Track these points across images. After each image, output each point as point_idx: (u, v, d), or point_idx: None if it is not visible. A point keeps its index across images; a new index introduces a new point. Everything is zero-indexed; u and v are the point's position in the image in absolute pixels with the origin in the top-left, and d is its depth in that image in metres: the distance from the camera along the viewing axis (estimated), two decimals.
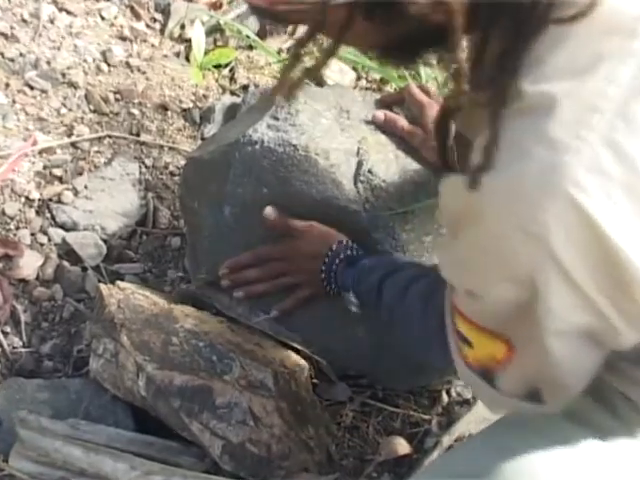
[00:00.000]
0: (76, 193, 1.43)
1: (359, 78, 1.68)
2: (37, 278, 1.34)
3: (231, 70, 1.67)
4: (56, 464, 1.07)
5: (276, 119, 1.18)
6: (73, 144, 1.49)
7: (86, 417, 1.13)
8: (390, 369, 1.23)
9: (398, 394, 1.28)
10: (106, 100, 1.55)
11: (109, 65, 1.61)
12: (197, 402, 1.09)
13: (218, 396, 1.10)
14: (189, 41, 1.68)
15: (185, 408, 1.09)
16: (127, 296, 1.20)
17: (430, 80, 1.54)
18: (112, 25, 1.69)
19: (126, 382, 1.12)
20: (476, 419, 1.23)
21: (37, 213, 1.40)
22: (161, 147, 1.52)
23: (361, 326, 1.18)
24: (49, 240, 1.38)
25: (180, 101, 1.59)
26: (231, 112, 1.55)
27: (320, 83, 1.58)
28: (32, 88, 1.54)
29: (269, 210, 1.13)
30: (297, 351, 1.23)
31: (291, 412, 1.15)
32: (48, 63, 1.58)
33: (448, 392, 1.30)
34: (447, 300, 0.79)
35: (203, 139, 1.53)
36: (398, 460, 1.20)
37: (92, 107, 1.54)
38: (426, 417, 1.27)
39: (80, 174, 1.46)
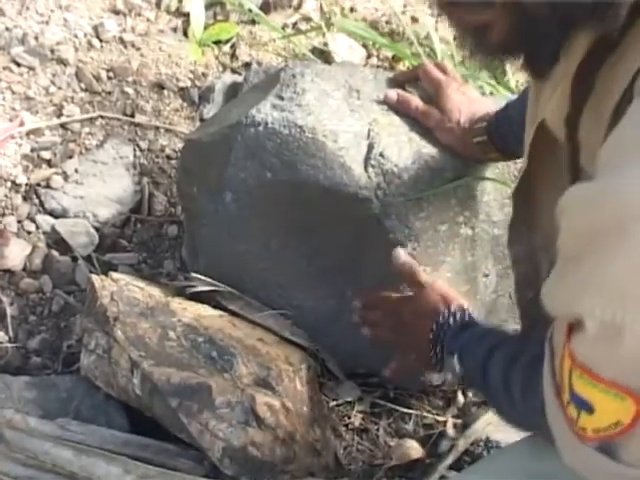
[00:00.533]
0: (66, 178, 1.41)
1: (369, 56, 1.66)
2: (24, 269, 1.32)
3: (232, 46, 1.65)
4: (45, 467, 1.05)
5: (281, 99, 1.16)
6: (63, 125, 1.47)
7: (77, 417, 1.12)
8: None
9: (410, 394, 1.27)
10: (98, 78, 1.53)
11: (101, 41, 1.59)
12: (196, 401, 1.08)
13: (218, 395, 1.09)
14: (187, 15, 1.66)
15: (183, 407, 1.08)
16: (120, 288, 1.19)
17: (446, 57, 1.52)
18: None
19: (120, 380, 1.11)
20: (495, 421, 1.22)
21: (24, 199, 1.38)
22: (157, 129, 1.50)
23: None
24: (37, 228, 1.36)
25: (177, 79, 1.57)
26: (232, 91, 1.53)
27: (328, 60, 1.56)
28: (19, 65, 1.52)
29: (400, 252, 1.12)
30: (303, 348, 1.22)
31: (296, 412, 1.14)
32: (36, 38, 1.56)
33: (464, 392, 1.29)
34: (548, 371, 0.73)
35: (202, 120, 1.52)
36: (410, 465, 1.20)
37: (83, 85, 1.52)
38: (440, 419, 1.26)
39: (70, 157, 1.44)
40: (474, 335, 0.99)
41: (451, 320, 1.02)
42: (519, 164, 1.19)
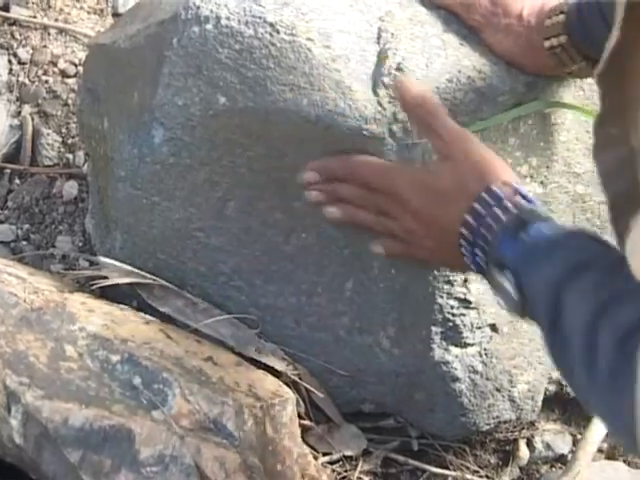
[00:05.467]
0: None
1: None
2: None
3: None
4: None
5: None
6: None
7: None
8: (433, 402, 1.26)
9: (445, 444, 1.31)
10: None
11: None
12: (109, 455, 1.09)
13: (144, 445, 1.10)
14: None
15: (88, 464, 1.09)
16: None
17: None
18: None
19: None
20: None
21: None
22: (45, 29, 1.52)
23: (387, 327, 1.22)
24: None
25: None
26: None
27: None
28: None
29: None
30: (276, 372, 1.24)
31: (266, 473, 1.16)
32: None
33: (530, 442, 1.33)
34: None
35: (116, 16, 1.54)
36: None
37: None
38: None
39: None
40: (542, 240, 1.00)
41: (498, 211, 1.03)
42: None
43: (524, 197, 1.03)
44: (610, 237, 0.96)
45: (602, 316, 0.87)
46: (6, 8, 1.54)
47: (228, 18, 1.15)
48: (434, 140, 1.10)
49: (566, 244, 0.98)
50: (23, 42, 1.51)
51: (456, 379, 1.23)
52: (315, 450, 1.26)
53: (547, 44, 1.13)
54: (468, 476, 1.30)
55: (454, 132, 1.09)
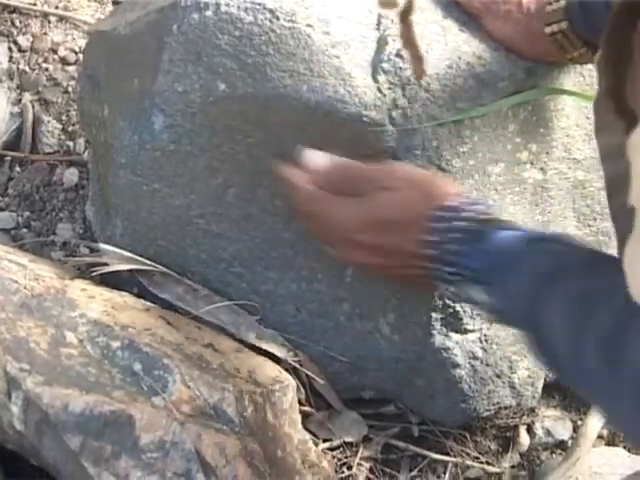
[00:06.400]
0: None
1: None
2: None
3: None
4: None
5: None
6: None
7: None
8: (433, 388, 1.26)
9: (446, 431, 1.31)
10: None
11: None
12: (110, 441, 1.09)
13: (144, 431, 1.10)
14: None
15: (89, 450, 1.09)
16: None
17: None
18: None
19: None
20: (580, 472, 1.26)
21: None
22: (45, 16, 1.52)
23: (387, 313, 1.22)
24: None
25: None
26: None
27: None
28: None
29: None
30: (276, 358, 1.24)
31: (266, 459, 1.17)
32: None
33: (530, 429, 1.34)
34: None
35: (116, 3, 1.54)
36: None
37: None
38: (493, 469, 1.30)
39: None
40: (506, 250, 1.00)
41: (458, 224, 1.03)
42: None
43: (478, 205, 1.04)
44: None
45: (587, 313, 0.88)
46: None
47: (228, 4, 1.15)
48: (367, 184, 1.10)
49: (531, 252, 0.98)
50: (23, 30, 1.51)
51: (456, 365, 1.24)
52: (315, 436, 1.27)
53: (548, 30, 1.13)
54: (468, 462, 1.30)
55: (383, 167, 1.11)
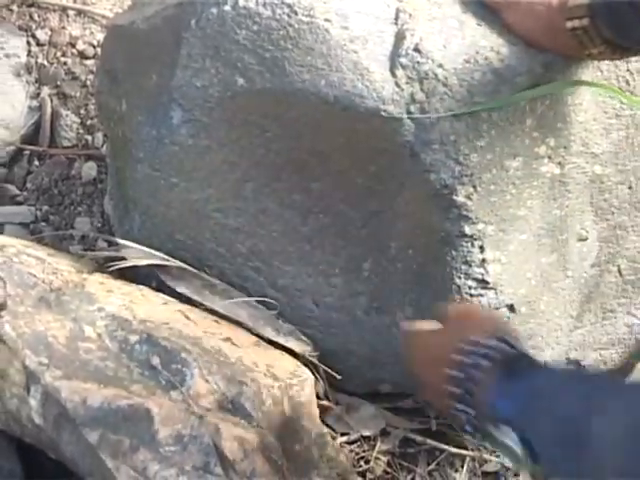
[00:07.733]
0: None
1: None
2: None
3: None
4: None
5: None
6: None
7: None
8: None
9: None
10: None
11: None
12: (128, 434, 1.10)
13: (162, 425, 1.11)
14: None
15: (107, 444, 1.09)
16: (9, 259, 1.21)
17: None
18: None
19: (8, 401, 1.13)
20: None
21: None
22: (64, 10, 1.52)
23: (404, 307, 1.22)
24: None
25: None
26: None
27: None
28: None
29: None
30: (294, 353, 1.25)
31: (284, 453, 1.17)
32: None
33: None
34: None
35: None
36: None
37: None
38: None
39: None
40: (540, 387, 0.94)
41: (482, 362, 0.98)
42: (636, 63, 1.22)
43: (508, 343, 1.00)
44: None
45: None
46: None
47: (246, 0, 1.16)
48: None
49: (571, 380, 0.95)
50: (42, 24, 1.51)
51: None
52: (333, 430, 1.27)
53: (569, 25, 1.13)
54: (486, 456, 1.30)
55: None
